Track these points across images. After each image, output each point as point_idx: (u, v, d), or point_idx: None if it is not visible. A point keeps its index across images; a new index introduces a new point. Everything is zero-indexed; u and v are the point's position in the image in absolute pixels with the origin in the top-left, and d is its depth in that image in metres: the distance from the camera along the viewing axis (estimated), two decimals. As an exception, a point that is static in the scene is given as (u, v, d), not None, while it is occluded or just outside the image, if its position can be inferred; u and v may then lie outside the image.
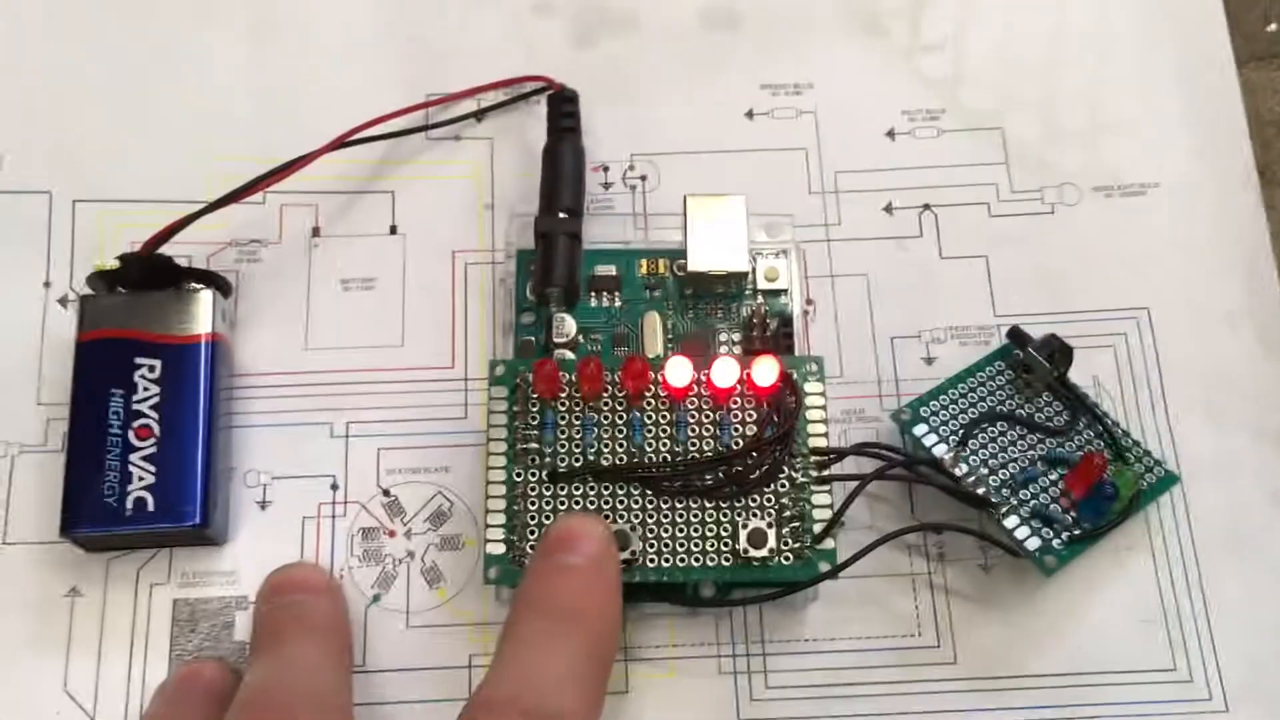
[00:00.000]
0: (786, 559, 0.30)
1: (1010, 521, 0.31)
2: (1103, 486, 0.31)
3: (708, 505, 0.30)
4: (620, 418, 0.31)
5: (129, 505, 0.30)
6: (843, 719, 0.31)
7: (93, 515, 0.30)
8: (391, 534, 0.32)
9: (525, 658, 0.27)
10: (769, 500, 0.30)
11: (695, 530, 0.30)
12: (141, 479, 0.30)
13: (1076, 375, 0.33)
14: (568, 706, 0.26)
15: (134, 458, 0.30)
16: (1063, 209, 0.36)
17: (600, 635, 0.28)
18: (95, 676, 0.31)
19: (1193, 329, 0.35)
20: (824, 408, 0.31)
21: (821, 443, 0.31)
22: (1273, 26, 0.39)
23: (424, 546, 0.32)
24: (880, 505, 0.33)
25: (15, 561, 0.32)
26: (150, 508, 0.30)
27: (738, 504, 0.30)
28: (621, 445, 0.30)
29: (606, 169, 0.36)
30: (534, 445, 0.30)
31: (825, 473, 0.30)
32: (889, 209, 0.36)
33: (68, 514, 0.30)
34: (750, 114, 0.37)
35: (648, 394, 0.31)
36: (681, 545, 0.30)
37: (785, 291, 0.34)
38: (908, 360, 0.34)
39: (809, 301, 0.35)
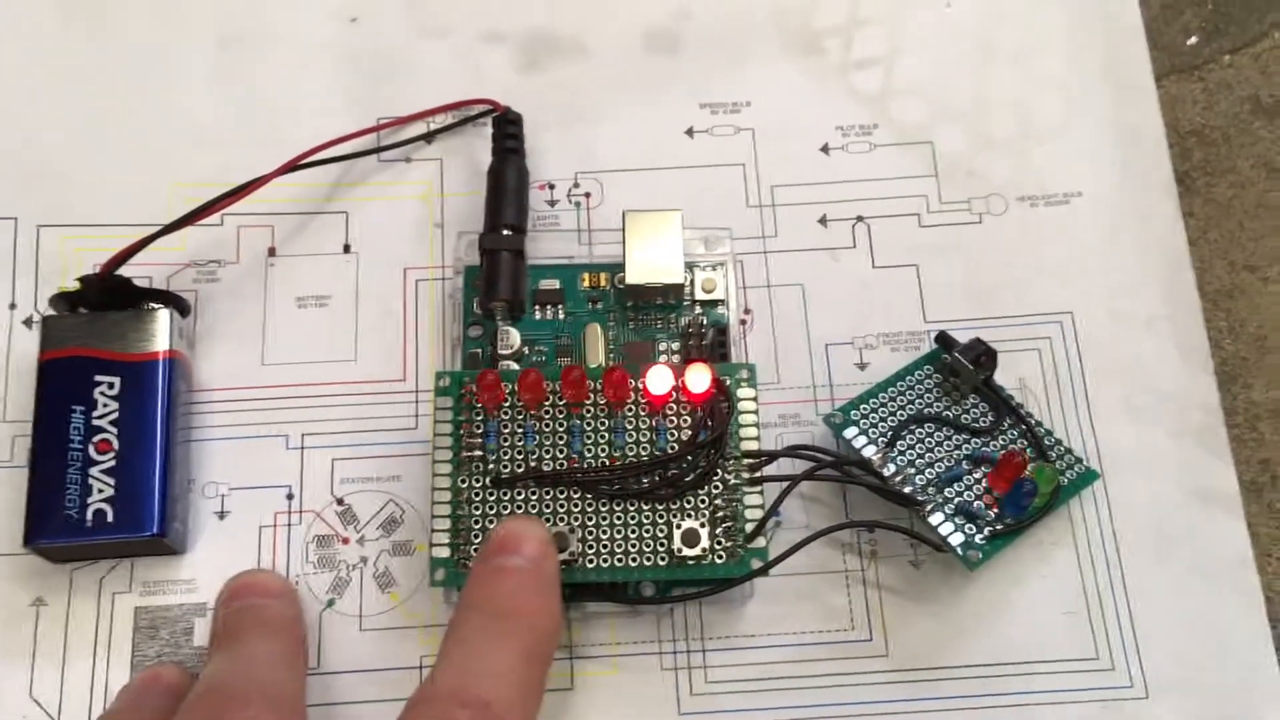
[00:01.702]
0: (720, 557, 0.31)
1: (935, 518, 0.32)
2: (1023, 484, 0.32)
3: (644, 507, 0.31)
4: (560, 425, 0.32)
5: (89, 516, 0.31)
6: (780, 710, 0.32)
7: (54, 526, 0.31)
8: (345, 541, 0.34)
9: (466, 654, 0.28)
10: (703, 502, 0.31)
11: (633, 531, 0.31)
12: (101, 491, 0.31)
13: (1003, 378, 0.35)
14: (506, 699, 0.27)
15: (94, 471, 0.32)
16: (990, 219, 0.38)
17: (539, 633, 0.29)
18: (60, 683, 0.32)
19: (1114, 333, 0.36)
20: (756, 412, 0.32)
21: (754, 446, 0.32)
22: (1193, 40, 0.40)
23: (376, 553, 0.34)
24: (816, 506, 0.34)
25: (-18, 573, 0.33)
26: (110, 519, 0.31)
27: (673, 506, 0.31)
28: (562, 451, 0.32)
29: (553, 186, 0.38)
30: (478, 453, 0.32)
31: (757, 474, 0.32)
32: (823, 221, 0.38)
33: (30, 525, 0.31)
34: (690, 132, 0.39)
35: (587, 402, 0.32)
36: (619, 546, 0.31)
37: (723, 302, 0.35)
38: (841, 366, 0.36)
39: (747, 311, 0.36)
